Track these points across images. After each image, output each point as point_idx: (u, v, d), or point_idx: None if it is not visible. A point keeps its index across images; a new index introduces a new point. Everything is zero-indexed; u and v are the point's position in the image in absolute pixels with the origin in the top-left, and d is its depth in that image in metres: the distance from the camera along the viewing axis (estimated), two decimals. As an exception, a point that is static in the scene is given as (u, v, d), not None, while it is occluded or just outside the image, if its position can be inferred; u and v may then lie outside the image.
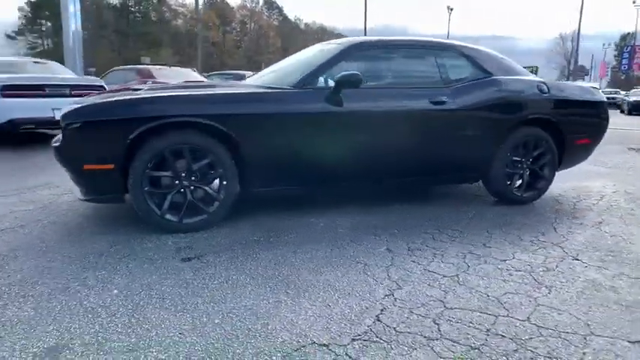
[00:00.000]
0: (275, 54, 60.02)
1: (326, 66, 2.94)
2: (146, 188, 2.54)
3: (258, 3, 65.98)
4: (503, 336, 1.63)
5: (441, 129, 3.16)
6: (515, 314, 1.79)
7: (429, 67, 3.25)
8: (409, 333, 1.64)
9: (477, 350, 1.54)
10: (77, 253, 2.30)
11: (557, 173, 3.64)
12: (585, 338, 1.63)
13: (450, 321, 1.73)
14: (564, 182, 4.31)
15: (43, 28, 50.58)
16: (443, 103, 3.09)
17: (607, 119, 3.80)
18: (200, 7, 59.19)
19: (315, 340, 1.58)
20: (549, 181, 3.57)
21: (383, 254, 2.40)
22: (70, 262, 2.20)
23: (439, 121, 3.14)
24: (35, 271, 2.08)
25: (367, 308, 1.82)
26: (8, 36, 48.79)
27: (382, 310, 1.80)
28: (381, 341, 1.58)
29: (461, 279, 2.11)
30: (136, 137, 2.46)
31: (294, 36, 66.36)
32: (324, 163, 2.93)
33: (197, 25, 58.27)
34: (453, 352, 1.53)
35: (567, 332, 1.67)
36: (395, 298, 1.90)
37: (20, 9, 48.94)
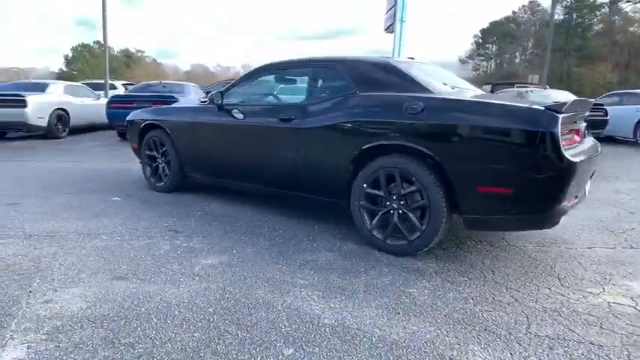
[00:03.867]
0: None
1: (230, 87, 3.79)
2: (146, 160, 4.51)
3: None
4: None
5: (289, 146, 3.22)
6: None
7: (303, 84, 3.33)
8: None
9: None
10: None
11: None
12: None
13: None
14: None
15: (489, 52, 56.99)
16: (290, 120, 3.20)
17: (551, 160, 2.25)
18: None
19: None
20: (426, 234, 2.64)
21: (163, 232, 3.32)
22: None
23: (285, 138, 3.22)
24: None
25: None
26: (460, 60, 58.49)
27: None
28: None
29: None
30: (141, 131, 4.47)
31: None
32: (216, 162, 3.86)
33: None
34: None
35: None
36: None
37: (474, 36, 57.26)
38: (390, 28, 14.19)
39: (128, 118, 4.75)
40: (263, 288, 2.27)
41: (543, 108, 2.31)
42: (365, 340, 1.81)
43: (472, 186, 2.46)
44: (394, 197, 2.76)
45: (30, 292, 2.16)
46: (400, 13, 13.05)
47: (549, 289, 2.36)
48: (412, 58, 3.65)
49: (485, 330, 1.91)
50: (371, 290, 2.28)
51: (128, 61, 58.54)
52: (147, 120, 4.35)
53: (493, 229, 2.80)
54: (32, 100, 8.18)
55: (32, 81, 10.23)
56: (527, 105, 2.42)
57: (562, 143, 2.24)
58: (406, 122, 2.65)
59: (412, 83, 2.84)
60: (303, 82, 3.37)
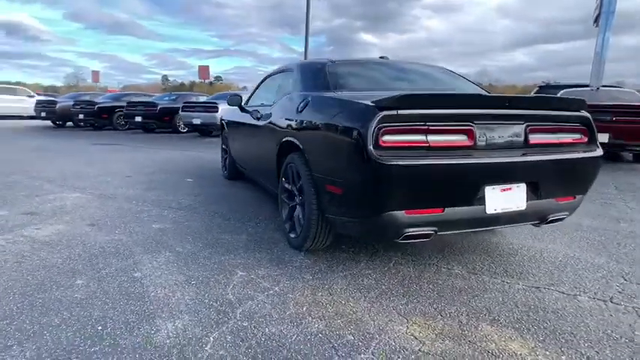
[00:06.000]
0: None
1: (252, 93, 4.44)
2: (222, 153, 5.61)
3: None
4: (75, 207, 3.88)
5: (255, 141, 3.69)
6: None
7: (277, 87, 3.69)
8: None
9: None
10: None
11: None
12: (56, 217, 3.56)
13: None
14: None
15: None
16: (259, 119, 3.66)
17: (362, 160, 2.04)
18: None
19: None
20: (304, 232, 2.67)
21: (171, 204, 4.27)
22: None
23: (254, 135, 3.69)
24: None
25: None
26: None
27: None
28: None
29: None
30: (221, 128, 5.58)
31: None
32: (238, 154, 4.58)
33: None
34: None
35: (63, 215, 3.62)
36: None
37: None
38: (597, 21, 11.82)
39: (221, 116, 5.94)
40: (144, 247, 2.85)
41: (369, 103, 2.11)
42: (135, 292, 2.20)
43: (323, 184, 2.42)
44: (297, 192, 2.89)
45: (41, 221, 3.37)
46: (607, 4, 10.81)
47: (370, 305, 2.14)
48: (383, 57, 3.48)
49: (218, 310, 2.02)
50: (212, 267, 2.54)
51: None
52: (223, 119, 5.41)
53: (346, 233, 2.55)
54: (222, 106, 10.60)
55: (229, 92, 13.08)
56: (362, 101, 2.22)
57: (374, 142, 2.00)
58: (292, 119, 2.77)
59: (325, 83, 2.88)
60: (277, 86, 3.74)
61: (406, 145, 2.07)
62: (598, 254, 2.92)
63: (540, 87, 14.60)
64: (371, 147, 2.00)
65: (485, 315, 2.06)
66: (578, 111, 2.48)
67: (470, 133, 2.17)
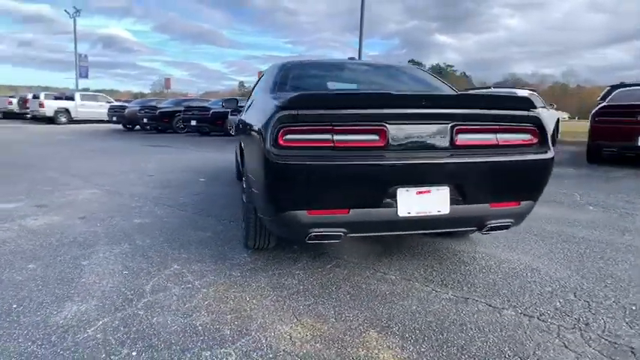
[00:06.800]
0: None
1: (249, 95, 4.60)
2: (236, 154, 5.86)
3: None
4: (82, 201, 4.28)
5: (236, 142, 3.84)
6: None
7: (258, 89, 3.79)
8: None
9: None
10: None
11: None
12: (60, 209, 3.96)
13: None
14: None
15: None
16: (238, 120, 3.81)
17: (263, 158, 2.05)
18: None
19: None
20: (245, 228, 2.80)
21: (169, 202, 4.55)
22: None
23: (236, 136, 3.85)
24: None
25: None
26: None
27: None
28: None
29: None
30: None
31: None
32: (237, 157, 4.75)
33: None
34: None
35: (67, 208, 4.01)
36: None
37: None
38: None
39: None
40: (110, 239, 3.09)
41: (275, 103, 2.13)
42: (70, 277, 2.42)
43: (251, 185, 2.48)
44: (248, 192, 2.98)
45: (44, 213, 3.78)
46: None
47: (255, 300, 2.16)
48: (352, 58, 3.42)
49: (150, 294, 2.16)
50: (154, 260, 2.71)
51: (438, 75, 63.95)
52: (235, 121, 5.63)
53: (271, 232, 2.54)
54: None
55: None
56: (269, 101, 2.24)
57: (273, 141, 2.01)
58: (241, 121, 2.86)
59: (274, 84, 2.94)
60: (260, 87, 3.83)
61: (310, 144, 2.06)
62: (566, 268, 2.66)
63: (612, 86, 13.33)
64: (269, 145, 2.02)
65: (382, 322, 1.98)
66: (526, 110, 2.30)
67: (382, 133, 2.10)
